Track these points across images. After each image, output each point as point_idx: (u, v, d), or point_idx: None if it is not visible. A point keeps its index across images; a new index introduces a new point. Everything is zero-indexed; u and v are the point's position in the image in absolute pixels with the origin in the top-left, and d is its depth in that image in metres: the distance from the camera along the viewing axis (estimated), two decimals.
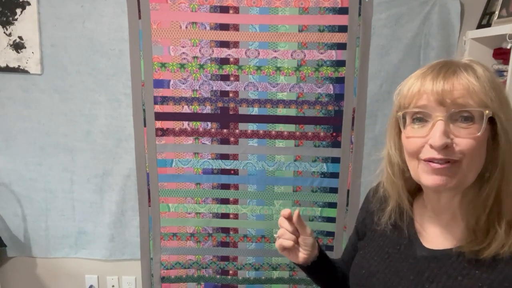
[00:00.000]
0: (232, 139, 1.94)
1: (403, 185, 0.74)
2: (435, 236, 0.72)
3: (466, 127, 0.61)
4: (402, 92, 0.68)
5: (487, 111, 0.60)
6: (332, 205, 1.99)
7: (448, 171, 0.62)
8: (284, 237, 0.85)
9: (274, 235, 0.85)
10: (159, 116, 1.92)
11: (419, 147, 0.64)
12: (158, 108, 1.91)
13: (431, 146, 0.62)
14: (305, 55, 1.85)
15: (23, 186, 2.00)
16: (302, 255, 0.87)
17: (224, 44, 1.85)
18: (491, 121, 0.61)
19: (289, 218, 0.84)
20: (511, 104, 0.64)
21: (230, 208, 2.00)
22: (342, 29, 1.82)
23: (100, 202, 2.02)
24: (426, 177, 0.64)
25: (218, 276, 2.09)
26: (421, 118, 0.65)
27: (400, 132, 0.70)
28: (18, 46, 1.85)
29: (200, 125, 1.93)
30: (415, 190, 0.78)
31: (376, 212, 0.82)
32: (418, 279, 0.69)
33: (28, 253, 2.08)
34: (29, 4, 1.81)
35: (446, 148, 0.61)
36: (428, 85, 0.62)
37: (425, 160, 0.64)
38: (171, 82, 1.89)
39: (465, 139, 0.60)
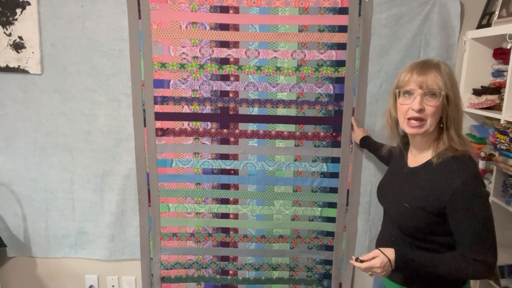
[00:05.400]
0: (232, 139, 1.94)
1: (395, 127, 1.27)
2: (413, 160, 1.26)
3: (431, 100, 1.12)
4: (399, 77, 1.19)
5: (443, 92, 1.11)
6: (332, 205, 1.99)
7: (419, 126, 1.14)
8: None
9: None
10: (159, 116, 1.92)
11: (406, 110, 1.16)
12: (158, 108, 1.91)
13: (413, 109, 1.13)
14: (305, 55, 1.85)
15: (23, 186, 2.00)
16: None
17: (224, 44, 1.85)
18: (446, 96, 1.12)
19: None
20: (458, 87, 1.16)
21: (230, 208, 2.01)
22: (342, 29, 1.82)
23: (100, 202, 2.02)
24: (408, 128, 1.16)
25: (218, 276, 2.09)
26: (409, 92, 1.15)
27: (396, 99, 1.22)
28: (18, 46, 1.85)
29: (200, 125, 1.93)
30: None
31: (394, 149, 1.40)
32: (402, 183, 1.26)
33: (28, 253, 2.09)
34: (29, 4, 1.81)
35: (420, 111, 1.12)
36: (414, 76, 1.14)
37: (409, 119, 1.15)
38: (171, 82, 1.89)
39: (430, 107, 1.12)
